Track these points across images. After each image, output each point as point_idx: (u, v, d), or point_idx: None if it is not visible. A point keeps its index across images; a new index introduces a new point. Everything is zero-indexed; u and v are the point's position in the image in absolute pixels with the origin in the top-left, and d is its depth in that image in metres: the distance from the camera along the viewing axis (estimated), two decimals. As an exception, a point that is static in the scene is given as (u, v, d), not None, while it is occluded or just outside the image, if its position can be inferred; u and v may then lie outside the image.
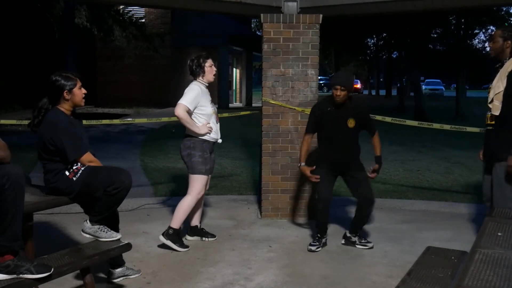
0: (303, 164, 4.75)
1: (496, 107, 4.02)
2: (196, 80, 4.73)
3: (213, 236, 5.00)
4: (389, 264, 4.34)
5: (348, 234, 4.88)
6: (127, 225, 5.07)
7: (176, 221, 4.68)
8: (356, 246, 4.81)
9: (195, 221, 5.00)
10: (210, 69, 4.74)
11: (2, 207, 2.74)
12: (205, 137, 4.67)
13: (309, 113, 4.92)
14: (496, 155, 4.00)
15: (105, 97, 25.62)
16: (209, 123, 4.68)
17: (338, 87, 4.56)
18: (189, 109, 4.57)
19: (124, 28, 17.31)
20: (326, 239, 4.80)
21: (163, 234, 4.65)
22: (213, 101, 4.90)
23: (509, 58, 4.01)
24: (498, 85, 3.98)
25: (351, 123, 4.68)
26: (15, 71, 20.70)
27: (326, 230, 4.79)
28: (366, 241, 4.84)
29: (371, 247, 4.76)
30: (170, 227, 4.68)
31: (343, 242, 4.91)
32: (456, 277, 2.62)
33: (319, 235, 4.76)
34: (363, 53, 43.78)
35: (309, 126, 4.83)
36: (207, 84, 4.77)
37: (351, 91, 4.67)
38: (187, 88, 4.70)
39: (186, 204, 4.69)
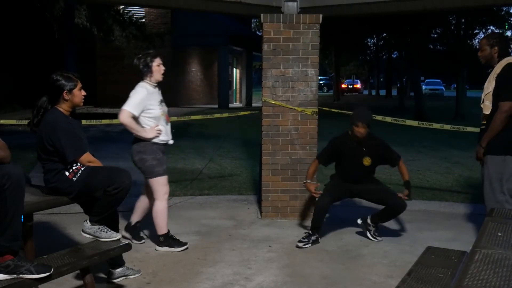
0: (309, 181, 4.89)
1: (486, 107, 4.30)
2: (143, 80, 4.53)
3: (141, 239, 4.82)
4: (389, 264, 4.34)
5: (368, 221, 5.02)
6: (127, 225, 5.06)
7: (161, 228, 4.60)
8: (368, 234, 4.98)
9: (134, 218, 4.82)
10: (158, 69, 4.53)
11: (2, 207, 2.74)
12: (155, 140, 4.51)
13: (310, 113, 4.95)
14: (487, 151, 4.26)
15: (105, 97, 25.60)
16: (158, 126, 4.50)
17: (360, 124, 4.66)
18: (134, 115, 4.37)
19: (124, 28, 17.30)
20: (317, 237, 4.86)
21: (158, 245, 4.62)
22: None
23: (497, 62, 4.27)
24: (487, 86, 4.27)
25: (366, 161, 4.82)
26: (15, 71, 20.70)
27: (318, 228, 4.86)
28: (378, 234, 5.01)
29: (380, 241, 4.94)
30: (159, 236, 4.62)
31: (359, 222, 5.07)
32: (456, 277, 2.62)
33: (310, 231, 4.83)
34: (363, 53, 43.82)
35: (323, 156, 4.97)
36: (156, 84, 4.58)
37: (369, 126, 4.77)
38: (133, 90, 4.48)
39: (159, 209, 4.56)
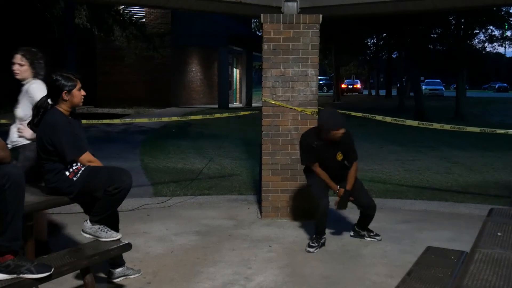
0: (338, 187, 4.78)
1: None
2: None
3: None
4: (389, 264, 4.34)
5: (357, 228, 5.04)
6: (127, 225, 5.07)
7: None
8: (366, 239, 4.97)
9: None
10: (13, 67, 4.28)
11: (2, 207, 2.74)
12: None
13: (310, 113, 4.89)
14: None
15: (105, 97, 25.62)
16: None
17: (341, 129, 4.55)
18: None
19: (124, 28, 17.29)
20: (324, 240, 4.83)
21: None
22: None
23: None
24: None
25: (339, 156, 4.77)
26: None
27: (324, 231, 4.83)
28: (375, 234, 5.01)
29: (380, 240, 4.95)
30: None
31: (352, 234, 5.07)
32: (456, 277, 2.62)
33: (318, 236, 4.78)
34: (363, 53, 43.79)
35: (310, 158, 4.77)
36: (24, 82, 4.31)
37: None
38: None
39: None
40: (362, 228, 5.01)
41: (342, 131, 4.58)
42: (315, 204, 4.75)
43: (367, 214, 4.89)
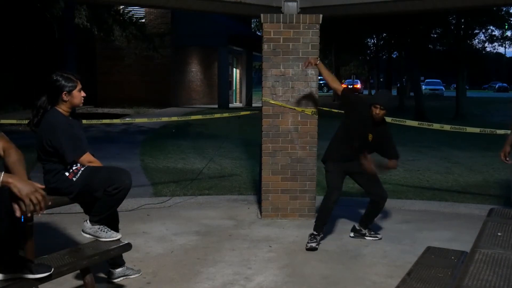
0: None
1: None
2: None
3: None
4: (389, 264, 4.34)
5: (357, 227, 5.04)
6: (127, 225, 5.07)
7: None
8: (366, 238, 4.98)
9: None
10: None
11: (2, 207, 2.73)
12: None
13: (310, 113, 4.86)
14: None
15: (105, 97, 25.64)
16: None
17: (379, 106, 4.60)
18: None
19: (124, 28, 17.30)
20: (321, 237, 4.83)
21: None
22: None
23: None
24: None
25: (370, 137, 4.76)
26: (16, 71, 20.69)
27: (323, 228, 4.82)
28: (375, 233, 5.03)
29: (380, 238, 4.98)
30: None
31: (351, 235, 5.06)
32: (456, 277, 2.62)
33: (315, 232, 4.76)
34: (363, 53, 43.80)
35: (349, 90, 4.73)
36: None
37: (388, 110, 4.72)
38: None
39: None
40: (365, 224, 5.00)
41: (378, 108, 4.59)
42: (327, 193, 4.72)
43: (376, 205, 4.85)
